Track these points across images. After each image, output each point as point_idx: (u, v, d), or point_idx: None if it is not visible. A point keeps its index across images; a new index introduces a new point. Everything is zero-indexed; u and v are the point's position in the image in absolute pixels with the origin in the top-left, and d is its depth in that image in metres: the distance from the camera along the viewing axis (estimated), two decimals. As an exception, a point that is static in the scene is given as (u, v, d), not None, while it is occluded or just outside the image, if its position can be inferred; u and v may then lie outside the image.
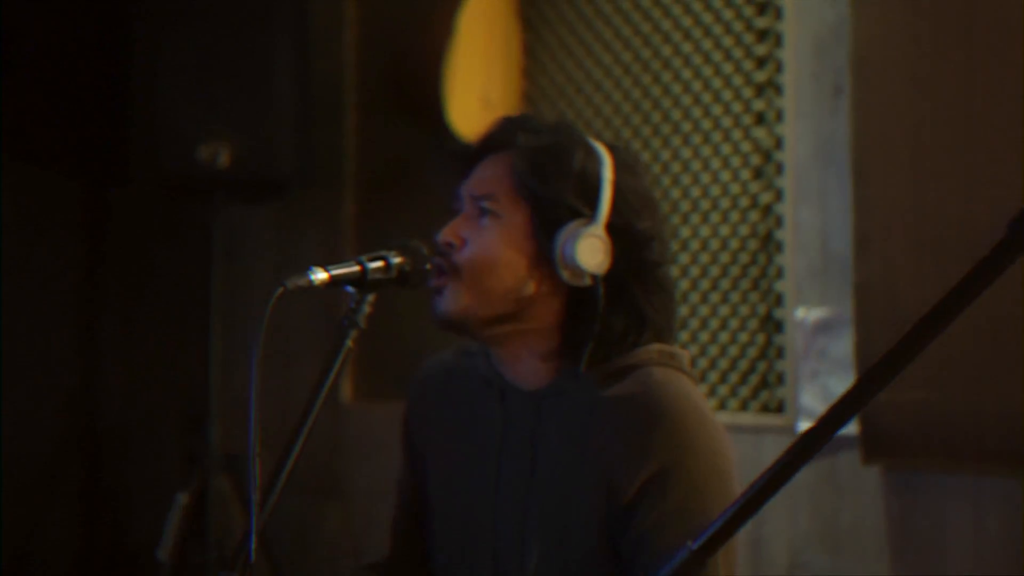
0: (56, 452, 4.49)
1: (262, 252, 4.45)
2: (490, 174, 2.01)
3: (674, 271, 3.51)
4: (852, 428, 3.05)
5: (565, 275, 1.94)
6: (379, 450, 4.15)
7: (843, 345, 3.16)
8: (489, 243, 1.97)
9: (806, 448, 1.21)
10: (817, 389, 3.22)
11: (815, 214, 3.25)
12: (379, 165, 4.25)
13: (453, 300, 1.97)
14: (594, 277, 1.94)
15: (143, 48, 3.92)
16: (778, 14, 3.35)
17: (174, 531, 3.93)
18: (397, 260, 1.91)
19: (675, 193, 3.53)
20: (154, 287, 4.63)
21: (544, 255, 1.95)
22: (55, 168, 4.45)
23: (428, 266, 1.94)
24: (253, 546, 1.65)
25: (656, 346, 1.98)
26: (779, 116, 3.34)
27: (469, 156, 2.06)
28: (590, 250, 1.93)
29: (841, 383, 3.14)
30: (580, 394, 1.96)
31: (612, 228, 1.95)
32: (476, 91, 3.70)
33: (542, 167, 1.97)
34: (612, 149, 2.01)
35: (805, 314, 3.25)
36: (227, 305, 4.08)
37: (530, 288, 1.96)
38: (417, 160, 4.07)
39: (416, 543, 2.16)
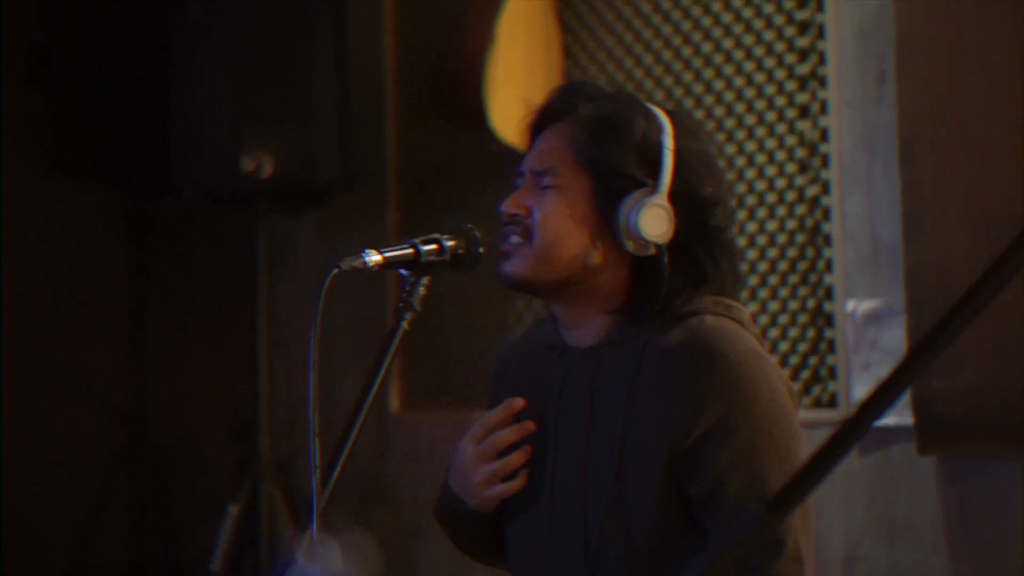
0: (105, 466, 4.50)
1: (306, 260, 4.45)
2: (550, 146, 2.02)
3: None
4: (906, 418, 3.03)
5: (629, 245, 1.95)
6: (427, 459, 4.15)
7: (894, 336, 3.13)
8: (553, 212, 1.99)
9: (853, 431, 1.20)
10: (870, 381, 3.20)
11: (862, 204, 3.23)
12: (421, 171, 4.25)
13: (520, 265, 1.99)
14: (658, 246, 1.95)
15: (183, 59, 3.94)
16: (819, 6, 3.34)
17: (226, 543, 3.93)
18: (450, 243, 1.94)
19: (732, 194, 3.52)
20: (197, 297, 4.64)
21: (607, 225, 1.97)
22: (96, 181, 4.48)
23: (481, 249, 1.96)
24: (315, 524, 1.66)
25: (711, 297, 1.99)
26: (823, 108, 3.33)
27: (530, 127, 2.07)
28: (654, 220, 1.94)
29: (893, 374, 3.11)
30: (634, 342, 1.98)
31: (675, 196, 1.96)
32: (517, 94, 3.69)
33: (603, 137, 1.97)
34: (672, 114, 2.01)
35: (855, 306, 3.22)
36: (272, 314, 4.08)
37: (595, 258, 1.98)
38: (459, 165, 4.07)
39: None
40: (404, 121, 4.28)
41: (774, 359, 3.34)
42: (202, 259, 4.64)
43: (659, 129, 1.98)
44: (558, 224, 1.98)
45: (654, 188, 1.95)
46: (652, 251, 1.96)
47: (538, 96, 2.09)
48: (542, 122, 2.05)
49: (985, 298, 1.22)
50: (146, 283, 4.63)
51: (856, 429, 1.25)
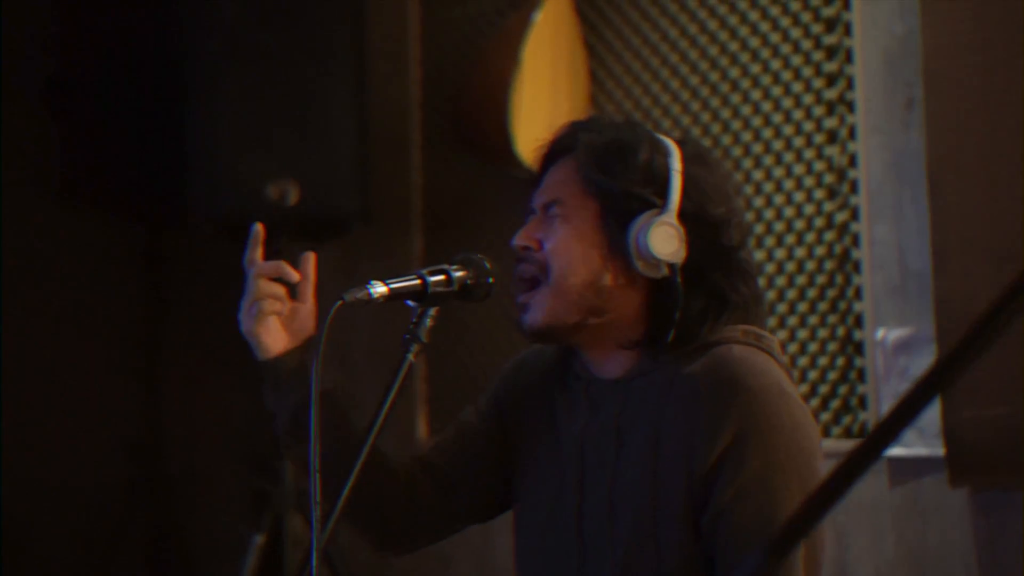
0: (121, 500, 4.47)
1: (329, 291, 4.42)
2: (555, 180, 2.03)
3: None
4: (937, 450, 2.98)
5: (640, 266, 1.94)
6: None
7: (924, 364, 3.09)
8: (562, 240, 1.98)
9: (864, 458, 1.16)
10: (900, 411, 3.14)
11: (891, 231, 3.19)
12: (447, 201, 4.22)
13: (541, 308, 1.97)
14: (671, 267, 1.93)
15: (200, 87, 3.89)
16: (847, 30, 3.30)
17: (251, 573, 3.91)
18: (459, 273, 1.92)
19: (748, 216, 3.47)
20: (212, 329, 4.61)
21: (618, 248, 1.95)
22: (112, 212, 4.46)
23: (491, 279, 1.94)
24: (315, 562, 1.64)
25: (742, 327, 1.96)
26: (852, 133, 3.29)
27: (538, 165, 2.08)
28: (664, 239, 1.92)
29: (924, 403, 3.06)
30: (661, 374, 1.95)
31: (685, 216, 1.94)
32: (543, 122, 3.67)
33: (606, 162, 1.98)
34: (681, 142, 2.01)
35: (885, 334, 3.18)
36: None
37: (607, 280, 1.96)
38: (485, 195, 4.04)
39: (438, 479, 2.14)
40: (430, 153, 4.25)
41: (802, 390, 3.34)
42: (216, 289, 4.61)
43: (665, 152, 1.98)
44: (569, 251, 1.97)
45: (663, 208, 1.94)
46: (665, 271, 1.94)
47: (564, 121, 2.10)
48: (548, 159, 2.06)
49: (1000, 325, 1.18)
50: (161, 313, 4.61)
51: (863, 460, 1.21)
